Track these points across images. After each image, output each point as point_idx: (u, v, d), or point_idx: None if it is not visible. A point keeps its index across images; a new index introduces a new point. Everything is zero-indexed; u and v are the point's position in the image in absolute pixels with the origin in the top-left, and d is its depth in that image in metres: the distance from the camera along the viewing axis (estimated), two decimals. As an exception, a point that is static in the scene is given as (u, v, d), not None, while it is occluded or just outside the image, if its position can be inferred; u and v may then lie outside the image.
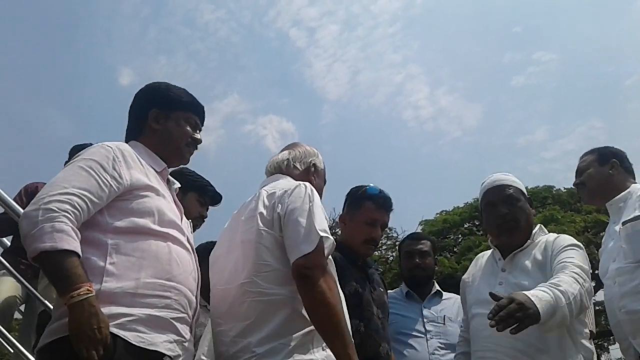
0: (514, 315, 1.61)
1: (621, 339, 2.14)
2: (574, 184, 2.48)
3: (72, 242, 1.37)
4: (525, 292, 1.71)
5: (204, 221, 2.57)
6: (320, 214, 1.70)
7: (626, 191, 2.28)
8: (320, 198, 1.81)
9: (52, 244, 1.33)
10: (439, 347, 2.63)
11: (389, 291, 3.07)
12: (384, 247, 21.18)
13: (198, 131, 1.83)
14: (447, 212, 20.22)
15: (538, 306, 1.65)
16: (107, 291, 1.40)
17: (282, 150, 2.05)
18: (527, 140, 38.35)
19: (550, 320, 1.71)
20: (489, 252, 2.32)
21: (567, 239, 2.11)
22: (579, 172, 2.44)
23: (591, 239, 13.21)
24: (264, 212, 1.71)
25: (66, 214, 1.39)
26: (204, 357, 2.22)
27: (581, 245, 2.10)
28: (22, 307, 3.19)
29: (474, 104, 46.11)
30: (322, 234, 1.62)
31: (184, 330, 1.54)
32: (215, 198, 2.62)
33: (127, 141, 1.75)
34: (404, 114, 45.35)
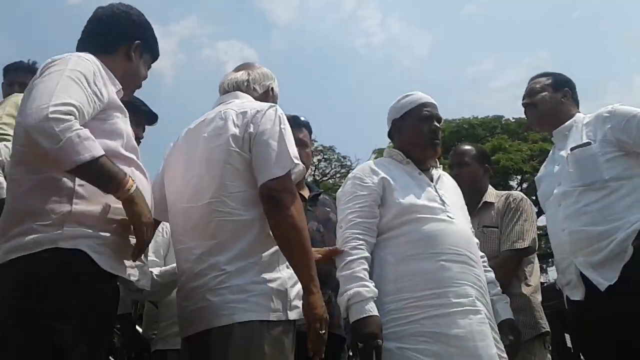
0: None
1: (561, 259, 2.22)
2: (523, 104, 2.48)
3: (100, 146, 1.38)
4: None
5: (140, 142, 2.46)
6: (292, 139, 1.67)
7: (571, 119, 2.35)
8: None
9: (90, 154, 1.33)
10: None
11: None
12: (338, 175, 21.47)
13: None
14: (400, 142, 20.52)
15: None
16: (78, 212, 1.40)
17: (237, 70, 1.95)
18: (475, 72, 38.75)
19: None
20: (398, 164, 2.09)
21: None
22: (531, 93, 2.44)
23: (536, 167, 13.70)
24: (236, 131, 1.65)
25: (77, 121, 1.35)
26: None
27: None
28: None
29: (424, 31, 45.79)
30: (295, 160, 1.62)
31: (143, 254, 1.57)
32: (151, 117, 2.55)
33: (81, 51, 1.62)
34: (355, 41, 44.61)
